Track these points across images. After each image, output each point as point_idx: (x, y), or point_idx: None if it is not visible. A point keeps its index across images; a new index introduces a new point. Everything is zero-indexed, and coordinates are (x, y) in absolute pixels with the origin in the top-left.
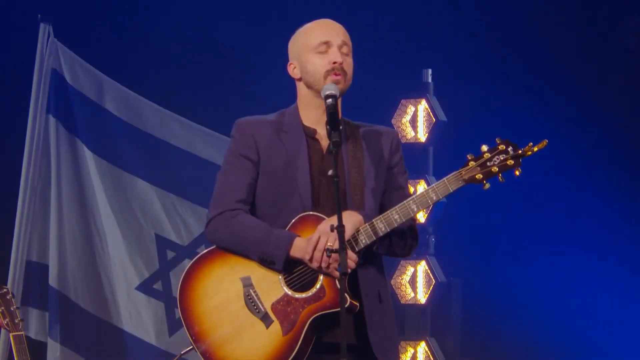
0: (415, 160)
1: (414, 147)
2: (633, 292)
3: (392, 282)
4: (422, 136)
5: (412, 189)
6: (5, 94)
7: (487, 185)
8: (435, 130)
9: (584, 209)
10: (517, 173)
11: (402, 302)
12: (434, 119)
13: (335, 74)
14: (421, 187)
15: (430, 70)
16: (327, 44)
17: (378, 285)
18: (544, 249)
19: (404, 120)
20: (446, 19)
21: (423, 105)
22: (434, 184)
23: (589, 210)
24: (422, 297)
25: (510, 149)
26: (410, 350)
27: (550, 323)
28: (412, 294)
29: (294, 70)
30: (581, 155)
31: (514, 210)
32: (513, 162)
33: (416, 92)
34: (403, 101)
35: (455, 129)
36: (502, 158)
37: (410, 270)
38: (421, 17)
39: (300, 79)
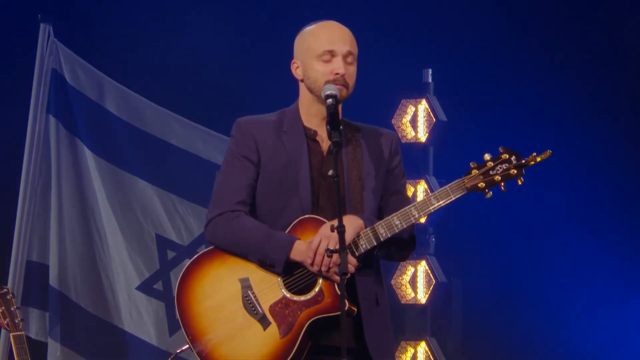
0: (416, 160)
1: (414, 147)
2: (635, 292)
3: (393, 282)
4: (423, 136)
5: (412, 189)
6: (6, 94)
7: (489, 194)
8: (435, 130)
9: (585, 208)
10: (520, 182)
11: (403, 302)
12: (434, 119)
13: (336, 85)
14: (421, 187)
15: (430, 70)
16: (332, 53)
17: (375, 289)
18: (544, 248)
19: (404, 120)
20: (446, 19)
21: (423, 105)
22: (436, 191)
23: (590, 210)
24: (422, 297)
25: (513, 158)
26: (411, 350)
27: (550, 323)
28: (413, 294)
29: (297, 70)
30: (582, 156)
31: (514, 210)
32: (516, 171)
33: (416, 92)
34: (403, 101)
35: (456, 129)
36: (504, 167)
37: (410, 270)
38: (421, 17)
39: (302, 80)
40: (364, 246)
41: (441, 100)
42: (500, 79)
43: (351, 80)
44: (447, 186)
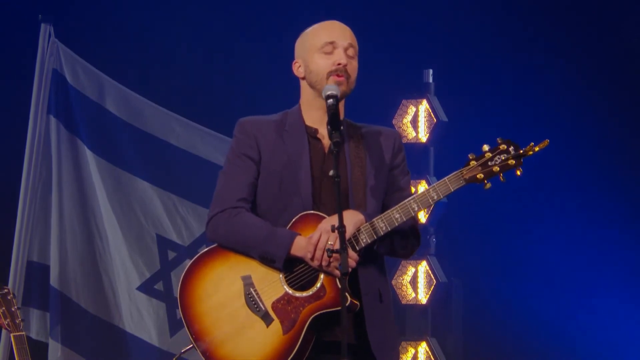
0: (416, 161)
1: (415, 148)
2: (635, 290)
3: (393, 282)
4: (423, 136)
5: (412, 190)
6: (6, 94)
7: (488, 185)
8: (436, 130)
9: (585, 208)
10: (519, 173)
11: (403, 302)
12: (435, 119)
13: (338, 76)
14: (422, 187)
15: (431, 71)
16: (332, 44)
17: (378, 285)
18: (544, 248)
19: (405, 120)
20: (446, 19)
21: (424, 105)
22: (435, 184)
23: (590, 210)
24: (423, 297)
25: (511, 148)
26: (411, 351)
27: (550, 323)
28: (413, 294)
29: (298, 68)
30: (582, 155)
31: (514, 210)
32: (514, 161)
33: (417, 92)
34: (404, 101)
35: (456, 129)
36: (503, 158)
37: (411, 270)
38: (422, 17)
39: (304, 78)
40: (364, 240)
41: (442, 100)
42: (500, 79)
43: (353, 73)
44: (445, 178)
